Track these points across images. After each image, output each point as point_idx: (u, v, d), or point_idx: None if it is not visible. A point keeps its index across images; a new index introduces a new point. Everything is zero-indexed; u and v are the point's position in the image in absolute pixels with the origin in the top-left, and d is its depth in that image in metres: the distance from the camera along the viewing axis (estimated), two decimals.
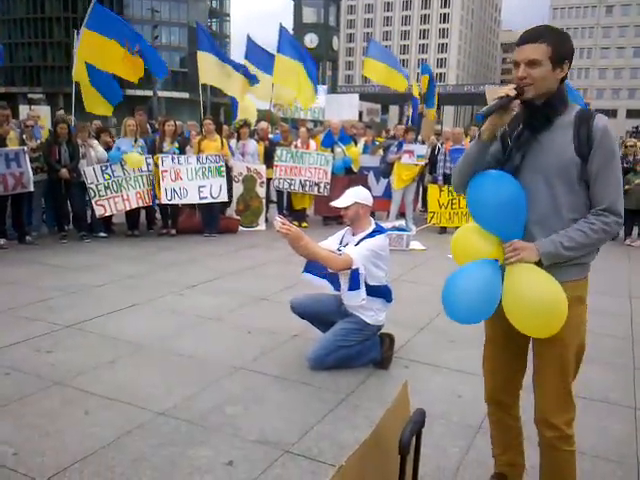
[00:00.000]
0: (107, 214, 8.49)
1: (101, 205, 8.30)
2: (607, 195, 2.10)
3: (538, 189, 2.15)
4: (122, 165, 8.35)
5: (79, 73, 9.16)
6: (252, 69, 10.89)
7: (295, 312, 4.27)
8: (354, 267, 3.79)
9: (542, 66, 2.08)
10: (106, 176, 8.28)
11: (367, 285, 3.90)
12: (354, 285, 3.85)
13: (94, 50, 8.90)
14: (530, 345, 2.35)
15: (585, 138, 2.08)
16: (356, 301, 3.88)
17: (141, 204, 8.66)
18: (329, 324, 4.10)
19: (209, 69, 10.19)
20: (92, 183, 8.19)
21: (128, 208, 8.58)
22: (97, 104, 9.52)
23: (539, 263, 2.13)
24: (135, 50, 8.88)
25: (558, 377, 2.22)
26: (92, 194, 8.22)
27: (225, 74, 10.29)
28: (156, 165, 8.56)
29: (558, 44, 2.09)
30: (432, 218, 10.11)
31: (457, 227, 10.17)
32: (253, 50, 11.42)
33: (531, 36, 2.11)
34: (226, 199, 9.17)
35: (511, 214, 2.17)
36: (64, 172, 7.96)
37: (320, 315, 4.20)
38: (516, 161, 2.20)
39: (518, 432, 2.55)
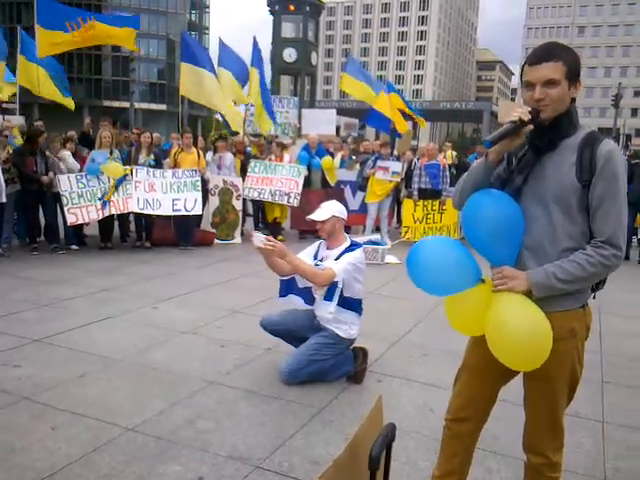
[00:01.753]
0: (79, 222, 8.35)
1: (73, 213, 8.16)
2: (608, 226, 1.96)
3: (536, 214, 2.05)
4: (98, 176, 8.26)
5: (23, 76, 9.36)
6: (226, 77, 10.85)
7: (266, 330, 4.25)
8: (337, 280, 3.83)
9: (560, 86, 1.97)
10: (80, 185, 8.17)
11: (344, 298, 3.93)
12: (328, 297, 3.89)
13: (51, 44, 9.42)
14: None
15: (587, 164, 1.96)
16: (325, 311, 3.91)
17: (114, 212, 8.50)
18: (301, 340, 4.09)
19: (190, 82, 10.12)
20: (65, 190, 8.07)
21: (101, 217, 8.43)
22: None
23: (529, 293, 2.02)
24: (88, 22, 9.34)
25: (546, 410, 2.17)
26: (65, 201, 8.09)
27: (208, 86, 10.22)
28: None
29: (572, 62, 1.99)
30: (406, 232, 10.17)
31: None
32: (227, 56, 11.32)
33: (547, 54, 1.99)
34: (200, 212, 9.10)
35: (506, 238, 2.06)
36: (45, 178, 7.93)
37: (292, 332, 4.19)
38: (517, 183, 2.10)
39: (469, 457, 2.45)
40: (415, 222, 10.09)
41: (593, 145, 1.98)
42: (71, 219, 8.22)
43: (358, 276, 3.97)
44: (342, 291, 3.91)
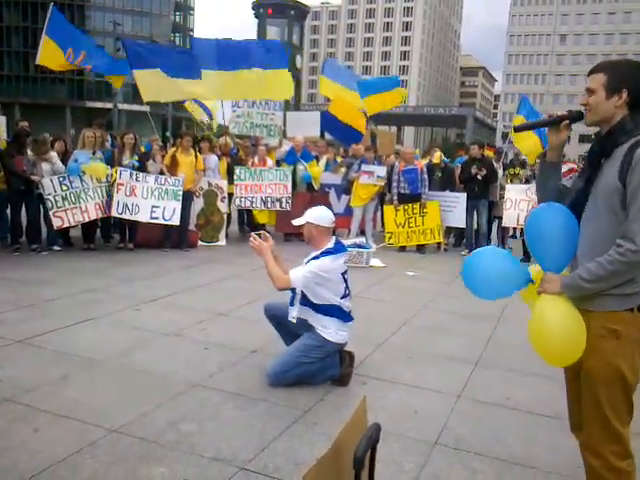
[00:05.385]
0: (65, 226, 8.29)
1: (59, 216, 8.09)
2: (628, 222, 2.07)
3: (591, 216, 2.22)
4: (80, 177, 8.20)
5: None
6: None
7: (267, 315, 4.29)
8: (292, 286, 3.92)
9: (596, 94, 2.23)
10: (64, 187, 8.11)
11: (315, 304, 3.98)
12: (290, 302, 4.02)
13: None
14: None
15: (627, 165, 2.09)
16: (290, 316, 4.00)
17: (100, 215, 8.49)
18: (294, 336, 4.10)
19: (149, 86, 9.73)
20: (50, 194, 8.01)
21: (87, 219, 8.38)
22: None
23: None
24: (77, 62, 9.63)
25: (594, 408, 2.23)
26: (50, 205, 8.02)
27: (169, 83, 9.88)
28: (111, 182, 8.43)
29: (613, 73, 2.22)
30: (390, 238, 10.22)
31: (416, 245, 10.08)
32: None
33: (594, 68, 2.30)
34: (177, 223, 8.87)
35: (559, 250, 2.28)
36: (36, 177, 7.93)
37: (285, 324, 4.15)
38: (580, 185, 2.31)
39: None
40: (398, 227, 10.13)
41: (634, 148, 2.11)
42: (57, 223, 8.13)
43: (322, 282, 3.93)
44: (309, 298, 3.96)
